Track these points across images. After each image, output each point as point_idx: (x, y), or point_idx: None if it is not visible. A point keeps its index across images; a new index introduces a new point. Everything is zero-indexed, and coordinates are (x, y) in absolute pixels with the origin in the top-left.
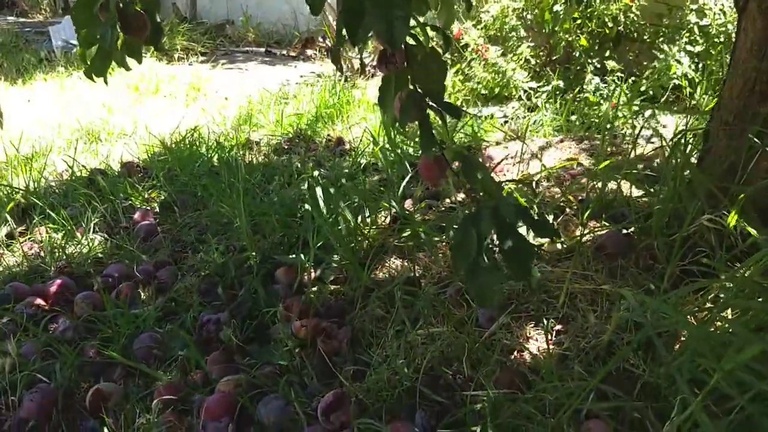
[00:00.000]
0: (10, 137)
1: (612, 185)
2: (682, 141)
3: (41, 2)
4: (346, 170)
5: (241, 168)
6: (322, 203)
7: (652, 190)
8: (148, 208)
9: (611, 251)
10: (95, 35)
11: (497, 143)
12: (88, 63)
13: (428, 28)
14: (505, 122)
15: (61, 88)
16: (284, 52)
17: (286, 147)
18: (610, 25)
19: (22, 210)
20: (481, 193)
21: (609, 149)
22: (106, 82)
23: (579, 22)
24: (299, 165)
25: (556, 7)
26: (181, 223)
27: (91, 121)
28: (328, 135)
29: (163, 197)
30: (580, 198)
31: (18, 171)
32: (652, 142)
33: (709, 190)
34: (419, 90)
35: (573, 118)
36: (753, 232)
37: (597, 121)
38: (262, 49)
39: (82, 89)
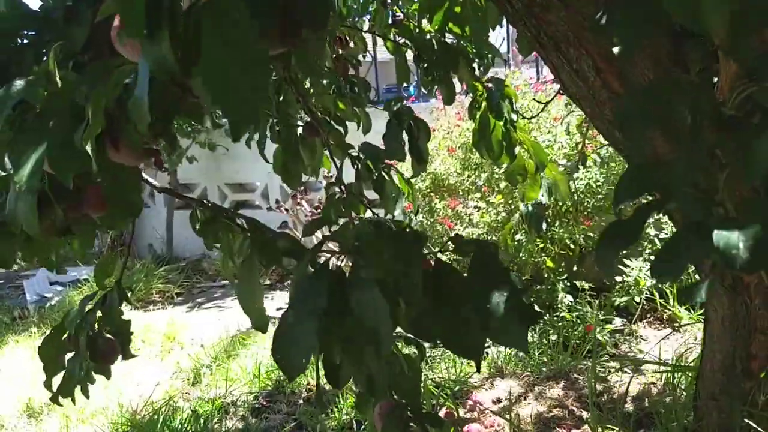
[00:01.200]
0: None
1: None
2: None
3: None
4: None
5: None
6: None
7: None
8: None
9: None
10: (60, 368)
11: (483, 380)
12: (53, 390)
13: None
14: (486, 351)
15: (33, 351)
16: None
17: (264, 404)
18: (572, 246)
19: None
20: None
21: (598, 386)
22: (74, 402)
23: (542, 245)
24: (279, 429)
25: (518, 236)
26: None
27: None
28: (308, 384)
29: None
30: None
31: None
32: (640, 371)
33: None
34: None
35: (553, 338)
36: None
37: (578, 342)
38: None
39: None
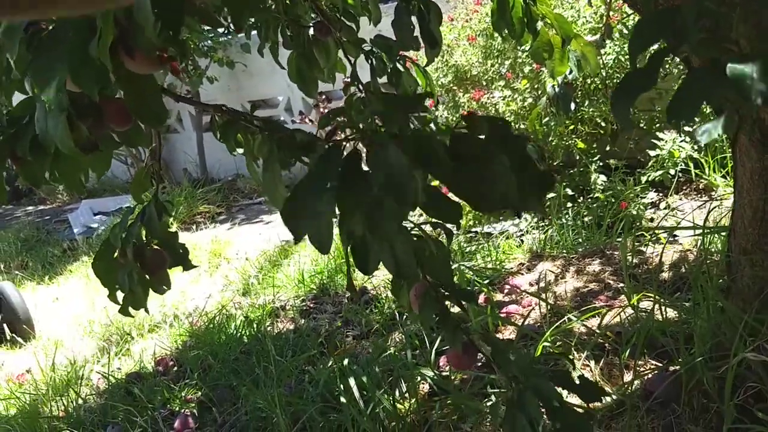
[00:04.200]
0: (44, 346)
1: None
2: (705, 263)
3: (57, 188)
4: (377, 324)
5: (272, 348)
6: (357, 393)
7: (684, 314)
8: (188, 413)
9: (664, 399)
10: (115, 283)
11: (519, 266)
12: (119, 302)
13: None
14: (522, 236)
15: (86, 278)
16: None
17: (311, 306)
18: (603, 124)
19: None
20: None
21: (632, 259)
22: (148, 311)
23: (572, 127)
24: (327, 327)
25: (546, 120)
26: (221, 422)
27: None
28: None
29: (199, 394)
30: (617, 331)
31: (55, 396)
32: (675, 239)
33: (746, 321)
34: (430, 280)
35: (587, 219)
36: None
37: (613, 220)
38: None
39: None
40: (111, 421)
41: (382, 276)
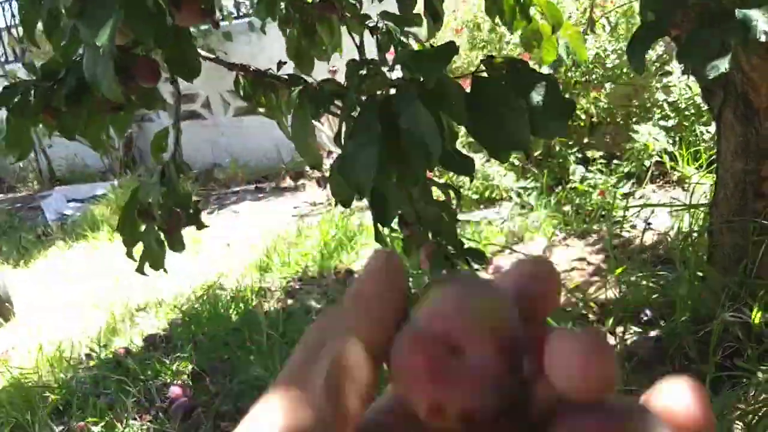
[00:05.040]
0: (25, 325)
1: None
2: (689, 237)
3: (28, 176)
4: None
5: (263, 321)
6: None
7: (665, 284)
8: (180, 382)
9: (647, 360)
10: (137, 241)
11: (502, 249)
12: (137, 261)
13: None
14: (503, 223)
15: (64, 262)
16: (273, 185)
17: (298, 287)
18: (582, 117)
19: (57, 408)
20: None
21: (614, 241)
22: (166, 271)
23: None
24: (313, 305)
25: None
26: (215, 391)
27: (100, 297)
28: (336, 267)
29: (191, 367)
30: (600, 303)
31: (46, 368)
32: (649, 225)
33: (725, 286)
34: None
35: (566, 208)
36: None
37: (591, 209)
38: (252, 186)
39: (84, 261)
40: (103, 391)
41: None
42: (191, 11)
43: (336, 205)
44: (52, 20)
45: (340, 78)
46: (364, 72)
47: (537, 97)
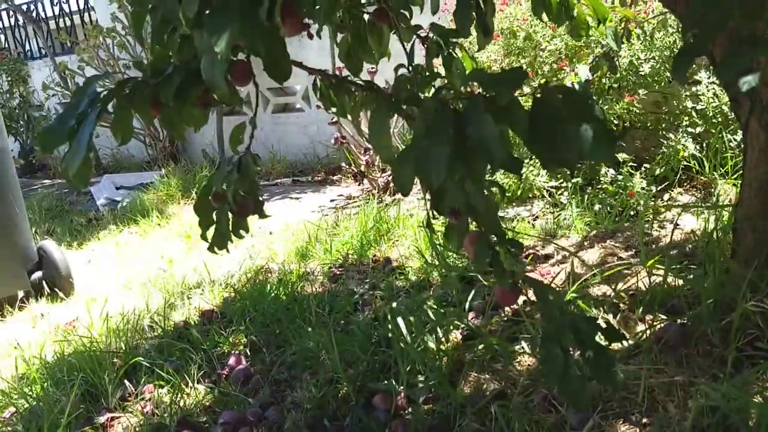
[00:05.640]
0: (86, 301)
1: (657, 277)
2: (714, 234)
3: None
4: (404, 290)
5: (311, 302)
6: (405, 330)
7: (692, 277)
8: (239, 352)
9: (673, 343)
10: (212, 222)
11: (534, 245)
12: (209, 241)
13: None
14: (535, 219)
15: (116, 245)
16: (309, 178)
17: (338, 273)
18: (615, 122)
19: (126, 372)
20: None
21: (644, 239)
22: (228, 250)
23: None
24: (355, 290)
25: None
26: (270, 361)
27: (155, 277)
28: (374, 255)
29: (245, 340)
30: (631, 293)
31: (111, 337)
32: (679, 225)
33: (747, 279)
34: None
35: (597, 207)
36: None
37: (621, 209)
38: (290, 180)
39: (136, 244)
40: (169, 358)
41: (403, 250)
42: (293, 23)
43: (378, 196)
44: (164, 25)
45: (379, 77)
46: (418, 79)
47: (587, 126)
